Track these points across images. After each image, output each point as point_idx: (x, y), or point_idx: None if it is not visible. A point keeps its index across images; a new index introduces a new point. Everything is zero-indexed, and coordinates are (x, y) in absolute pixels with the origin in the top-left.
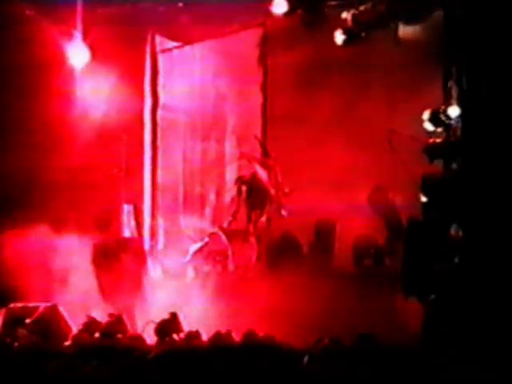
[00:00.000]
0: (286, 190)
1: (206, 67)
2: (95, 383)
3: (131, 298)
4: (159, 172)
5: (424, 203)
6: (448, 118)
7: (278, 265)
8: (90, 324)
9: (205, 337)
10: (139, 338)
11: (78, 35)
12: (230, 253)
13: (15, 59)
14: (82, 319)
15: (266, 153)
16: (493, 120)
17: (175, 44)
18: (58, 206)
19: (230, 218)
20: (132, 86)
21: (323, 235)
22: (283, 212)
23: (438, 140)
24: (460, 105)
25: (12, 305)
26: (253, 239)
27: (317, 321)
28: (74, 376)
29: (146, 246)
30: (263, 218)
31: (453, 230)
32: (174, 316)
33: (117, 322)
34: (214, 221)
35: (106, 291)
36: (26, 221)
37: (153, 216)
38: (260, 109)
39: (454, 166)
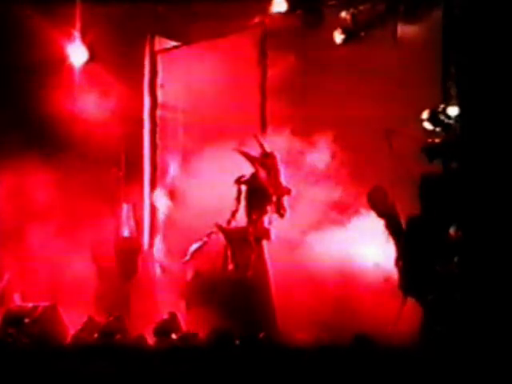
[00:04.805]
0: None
1: (204, 67)
2: (95, 383)
3: (130, 298)
4: (158, 172)
5: (423, 203)
6: (447, 117)
7: None
8: (90, 324)
9: (204, 336)
10: (139, 338)
11: (77, 35)
12: (229, 253)
13: (14, 59)
14: (82, 319)
15: (265, 153)
16: (492, 119)
17: (174, 44)
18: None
19: (230, 218)
20: (131, 85)
21: None
22: (283, 212)
23: (438, 140)
24: (459, 104)
25: (11, 305)
26: (252, 239)
27: (321, 317)
28: (74, 376)
29: (146, 245)
30: (263, 218)
31: (452, 230)
32: (173, 316)
33: (117, 322)
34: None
35: (104, 290)
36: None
37: (152, 216)
38: (259, 108)
39: (454, 165)
